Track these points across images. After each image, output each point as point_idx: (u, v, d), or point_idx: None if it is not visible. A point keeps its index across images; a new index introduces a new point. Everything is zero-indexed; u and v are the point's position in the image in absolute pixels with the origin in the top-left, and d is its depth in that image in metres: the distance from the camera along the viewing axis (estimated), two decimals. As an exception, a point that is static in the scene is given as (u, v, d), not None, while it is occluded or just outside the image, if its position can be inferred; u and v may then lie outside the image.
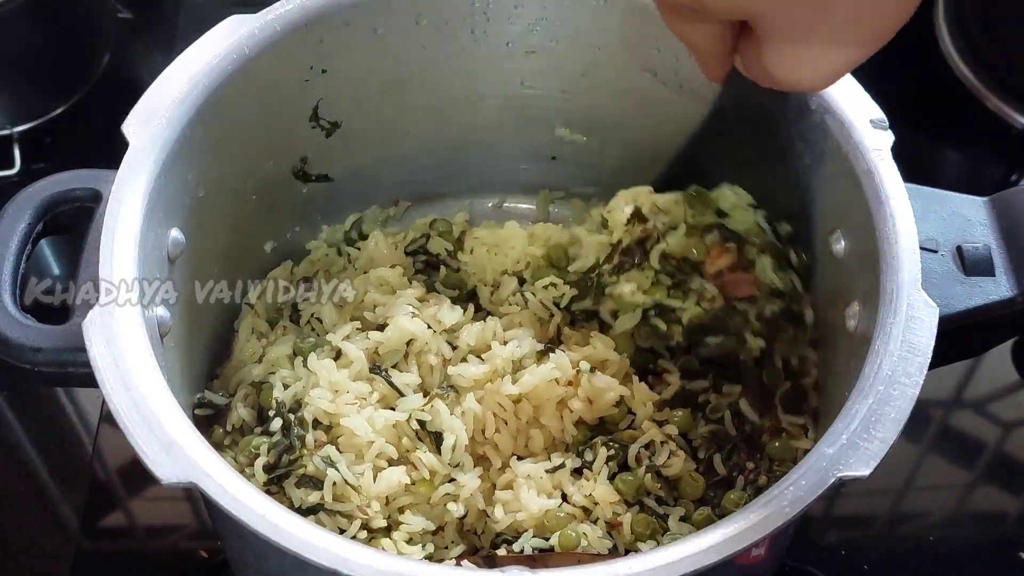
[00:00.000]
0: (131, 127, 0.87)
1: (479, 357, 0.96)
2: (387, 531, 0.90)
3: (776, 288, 0.95)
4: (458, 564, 0.82)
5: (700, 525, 0.89)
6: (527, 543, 0.88)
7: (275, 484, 0.90)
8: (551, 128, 1.10)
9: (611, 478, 0.92)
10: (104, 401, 0.76)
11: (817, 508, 1.04)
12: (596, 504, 0.91)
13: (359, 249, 1.09)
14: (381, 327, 0.96)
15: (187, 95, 0.89)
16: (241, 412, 0.95)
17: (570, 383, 0.94)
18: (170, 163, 0.87)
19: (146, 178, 0.85)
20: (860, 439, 0.75)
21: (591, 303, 1.01)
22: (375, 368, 0.94)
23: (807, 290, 0.97)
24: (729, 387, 0.98)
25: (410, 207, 1.15)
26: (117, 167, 0.85)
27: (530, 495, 0.90)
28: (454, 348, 0.97)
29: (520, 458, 0.94)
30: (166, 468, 0.73)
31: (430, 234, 1.10)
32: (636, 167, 1.09)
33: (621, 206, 0.99)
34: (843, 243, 0.91)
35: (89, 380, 0.77)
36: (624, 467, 0.94)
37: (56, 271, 1.21)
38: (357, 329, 0.97)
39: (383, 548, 0.87)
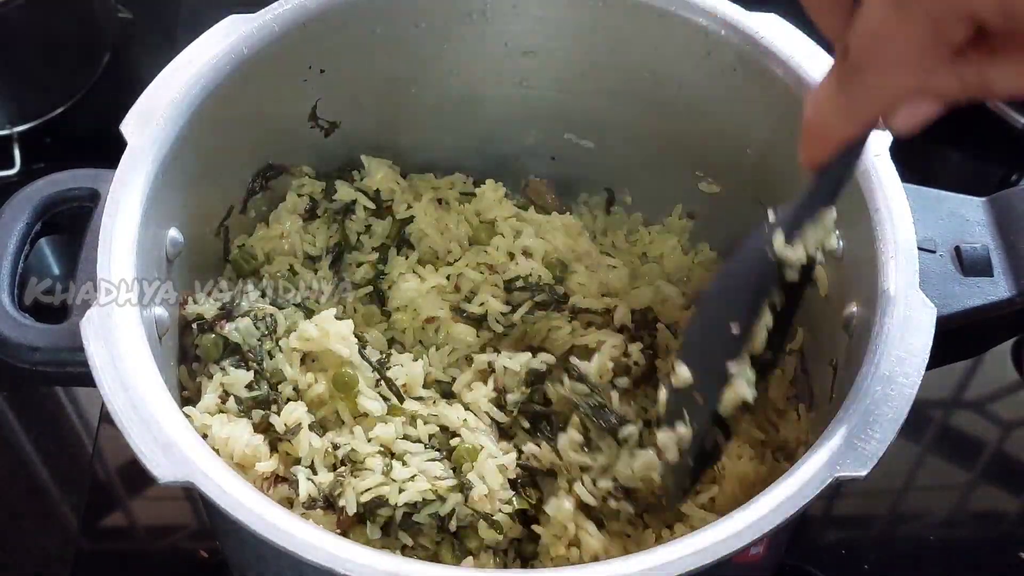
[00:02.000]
0: (129, 127, 0.87)
1: None
2: None
3: None
4: None
5: None
6: None
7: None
8: (550, 128, 1.10)
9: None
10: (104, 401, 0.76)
11: (816, 508, 1.04)
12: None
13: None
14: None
15: (185, 95, 0.89)
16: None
17: None
18: (168, 163, 0.87)
19: (144, 178, 0.85)
20: (858, 439, 0.75)
21: None
22: None
23: None
24: None
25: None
26: (116, 167, 0.86)
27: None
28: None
29: None
30: (163, 468, 0.73)
31: None
32: (636, 167, 1.10)
33: None
34: (841, 244, 0.91)
35: (87, 379, 0.78)
36: None
37: (56, 271, 1.21)
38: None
39: None
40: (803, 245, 0.72)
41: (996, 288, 0.87)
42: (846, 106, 0.61)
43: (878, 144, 0.88)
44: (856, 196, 0.86)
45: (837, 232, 0.91)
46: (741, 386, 0.76)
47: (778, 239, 0.71)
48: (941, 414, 1.21)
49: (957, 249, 0.89)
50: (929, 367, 0.78)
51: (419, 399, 0.95)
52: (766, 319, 0.74)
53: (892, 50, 0.55)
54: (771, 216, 0.74)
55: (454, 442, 0.92)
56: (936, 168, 1.40)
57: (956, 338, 0.85)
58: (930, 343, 0.79)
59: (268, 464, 0.88)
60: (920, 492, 1.17)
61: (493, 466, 0.90)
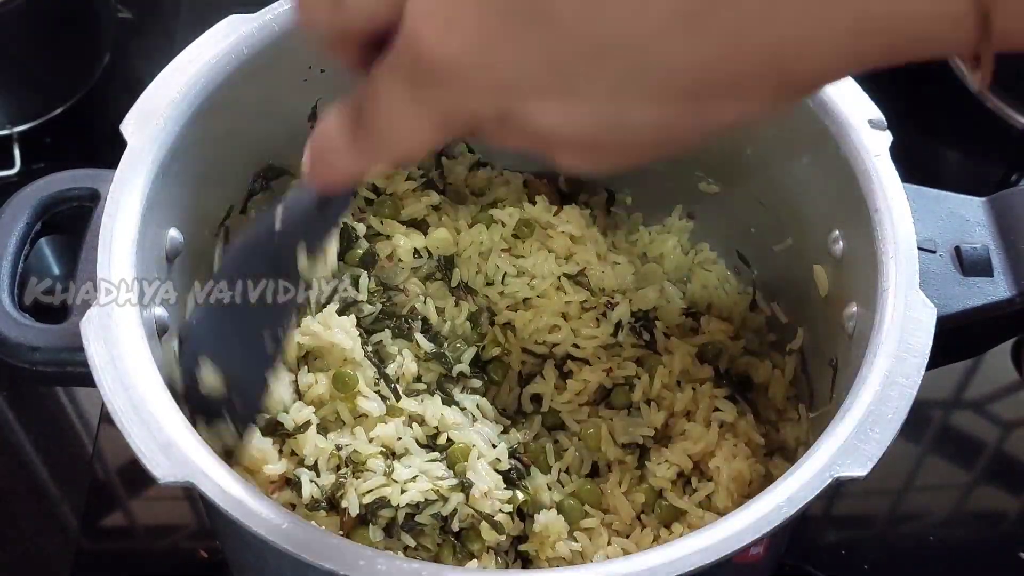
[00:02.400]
0: (129, 127, 0.87)
1: None
2: None
3: None
4: None
5: None
6: None
7: None
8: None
9: None
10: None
11: (816, 508, 1.04)
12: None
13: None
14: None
15: (185, 95, 0.89)
16: None
17: None
18: (168, 163, 0.87)
19: (144, 178, 0.85)
20: (857, 439, 0.75)
21: None
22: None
23: None
24: None
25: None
26: (116, 167, 0.85)
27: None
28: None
29: None
30: (164, 468, 0.73)
31: None
32: (634, 169, 1.09)
33: None
34: (841, 244, 0.91)
35: (87, 379, 0.77)
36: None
37: (56, 271, 1.21)
38: None
39: None
40: (325, 265, 0.73)
41: (996, 288, 0.87)
42: (353, 149, 0.59)
43: (878, 144, 0.88)
44: (856, 196, 0.86)
45: (837, 232, 0.92)
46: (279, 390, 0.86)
47: (302, 258, 0.71)
48: (941, 414, 1.21)
49: (957, 249, 0.89)
50: (929, 367, 0.78)
51: (415, 394, 0.95)
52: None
53: (405, 129, 0.56)
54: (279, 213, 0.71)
55: (443, 440, 0.92)
56: (936, 168, 1.40)
57: (956, 338, 0.84)
58: (930, 343, 0.79)
59: (277, 467, 0.88)
60: (920, 492, 1.17)
61: (486, 465, 0.90)
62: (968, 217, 0.91)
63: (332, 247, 0.73)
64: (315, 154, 0.61)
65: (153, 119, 0.87)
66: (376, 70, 0.55)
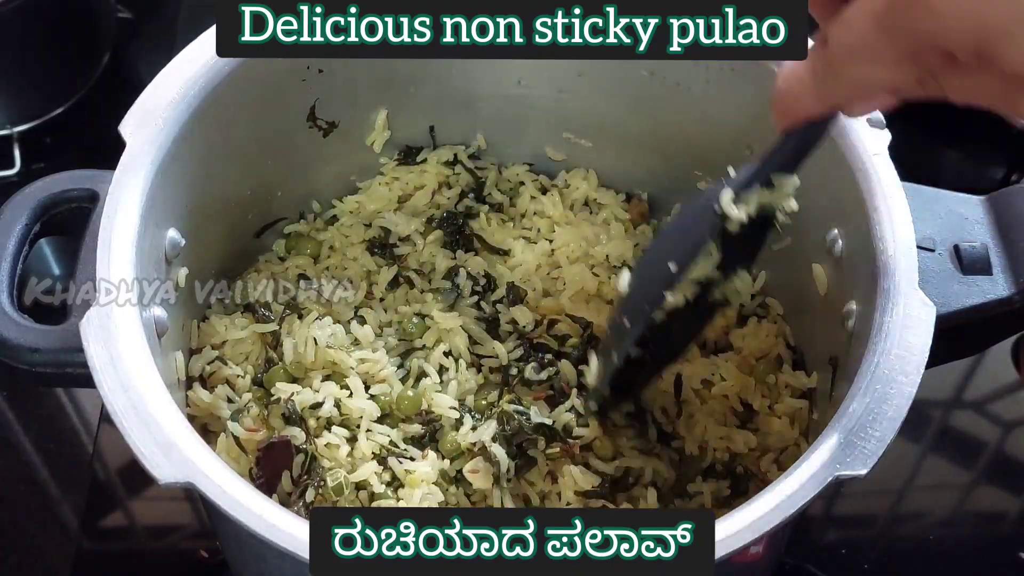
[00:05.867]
0: (128, 128, 0.87)
1: None
2: None
3: None
4: None
5: None
6: None
7: None
8: (549, 127, 1.10)
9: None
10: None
11: (817, 507, 1.04)
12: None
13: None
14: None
15: (184, 96, 0.89)
16: None
17: None
18: (167, 164, 0.87)
19: (143, 179, 0.85)
20: (858, 438, 0.75)
21: None
22: None
23: None
24: None
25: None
26: (116, 167, 0.85)
27: None
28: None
29: None
30: (164, 468, 0.73)
31: None
32: (632, 167, 1.10)
33: None
34: (840, 243, 0.91)
35: (87, 380, 0.77)
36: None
37: (56, 271, 1.21)
38: None
39: None
40: (747, 205, 0.74)
41: (995, 286, 0.87)
42: (815, 89, 0.64)
43: (877, 143, 0.88)
44: (855, 195, 0.87)
45: (836, 231, 0.92)
46: (674, 295, 0.79)
47: (726, 195, 0.74)
48: (941, 414, 1.21)
49: (956, 248, 0.89)
50: (929, 365, 0.78)
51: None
52: (713, 257, 0.78)
53: (867, 61, 0.59)
54: (731, 172, 0.76)
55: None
56: (936, 168, 1.40)
57: (955, 336, 0.85)
58: (930, 341, 0.79)
59: None
60: (920, 492, 1.17)
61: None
62: (967, 215, 0.91)
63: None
64: (779, 94, 0.66)
65: (152, 120, 0.87)
66: (850, 7, 0.58)
